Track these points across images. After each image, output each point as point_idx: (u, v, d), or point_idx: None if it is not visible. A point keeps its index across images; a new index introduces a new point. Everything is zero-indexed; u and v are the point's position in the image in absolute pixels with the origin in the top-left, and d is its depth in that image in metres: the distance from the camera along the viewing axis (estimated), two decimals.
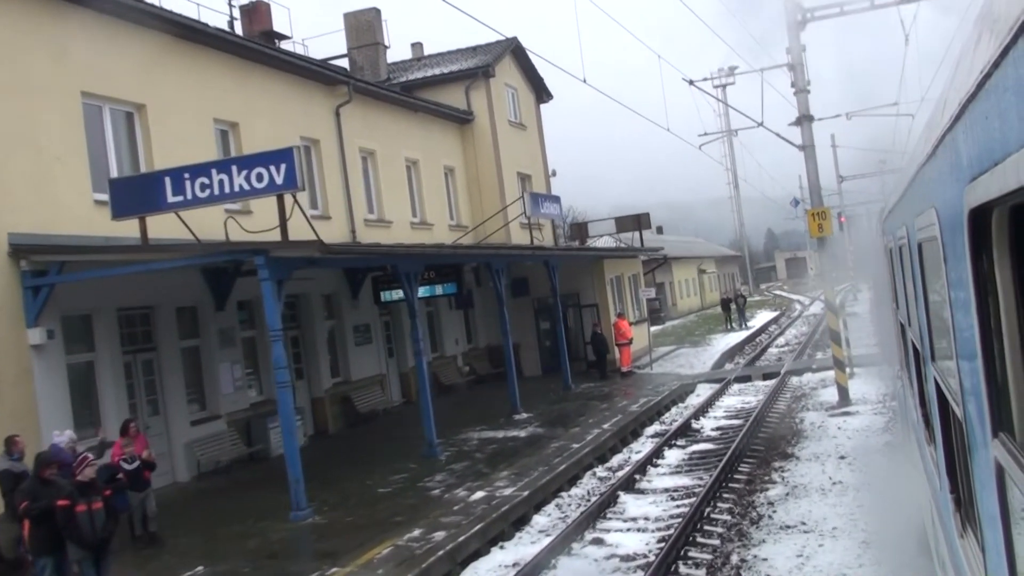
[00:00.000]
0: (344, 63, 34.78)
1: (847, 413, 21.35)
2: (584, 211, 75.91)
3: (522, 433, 21.29)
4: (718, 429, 21.67)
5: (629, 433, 21.58)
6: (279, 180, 14.70)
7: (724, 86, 78.60)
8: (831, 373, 24.30)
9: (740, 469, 17.12)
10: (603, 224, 40.99)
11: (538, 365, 33.77)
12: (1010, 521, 2.62)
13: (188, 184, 15.06)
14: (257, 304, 22.08)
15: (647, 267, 48.25)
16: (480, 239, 31.16)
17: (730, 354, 37.62)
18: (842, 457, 16.88)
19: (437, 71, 35.08)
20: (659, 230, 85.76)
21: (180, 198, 15.14)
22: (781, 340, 44.28)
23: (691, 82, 23.05)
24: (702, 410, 24.21)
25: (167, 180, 15.21)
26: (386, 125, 28.78)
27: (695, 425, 22.37)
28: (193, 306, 20.07)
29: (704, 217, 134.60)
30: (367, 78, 32.28)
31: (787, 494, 14.81)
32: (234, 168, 14.94)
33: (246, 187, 14.87)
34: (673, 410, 25.37)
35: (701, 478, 16.69)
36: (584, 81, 18.53)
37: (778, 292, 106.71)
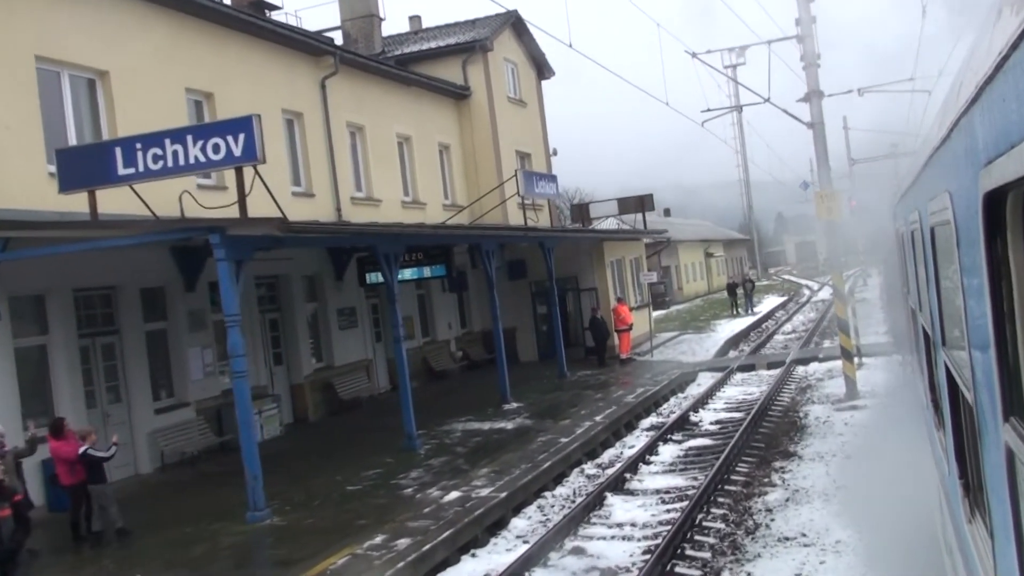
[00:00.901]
0: (338, 36, 33.54)
1: (855, 407, 20.13)
2: (592, 192, 74.53)
3: (509, 425, 20.14)
4: (717, 423, 20.48)
5: (623, 426, 20.40)
6: (237, 152, 13.47)
7: (735, 66, 76.93)
8: (839, 363, 23.07)
9: (738, 469, 15.93)
10: (606, 205, 39.75)
11: (535, 350, 32.60)
12: (1020, 506, 2.60)
13: (140, 155, 13.85)
14: None
15: (651, 250, 47.03)
16: (474, 219, 29.93)
17: (734, 341, 36.39)
18: (848, 457, 15.67)
19: (433, 44, 33.75)
20: (666, 212, 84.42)
21: (132, 170, 13.94)
22: (788, 327, 43.00)
23: (694, 55, 21.71)
24: (702, 401, 23.01)
25: (117, 151, 14.00)
26: (376, 99, 27.50)
27: (693, 418, 21.18)
28: (160, 286, 18.91)
29: (713, 200, 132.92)
30: (361, 51, 31.00)
31: (787, 499, 13.62)
32: (189, 138, 13.71)
33: (202, 159, 13.65)
34: (672, 400, 24.18)
35: (696, 478, 15.50)
36: (570, 46, 17.25)
37: (787, 276, 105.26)
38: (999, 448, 2.71)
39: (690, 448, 18.14)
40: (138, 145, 13.90)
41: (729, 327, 40.58)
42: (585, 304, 32.23)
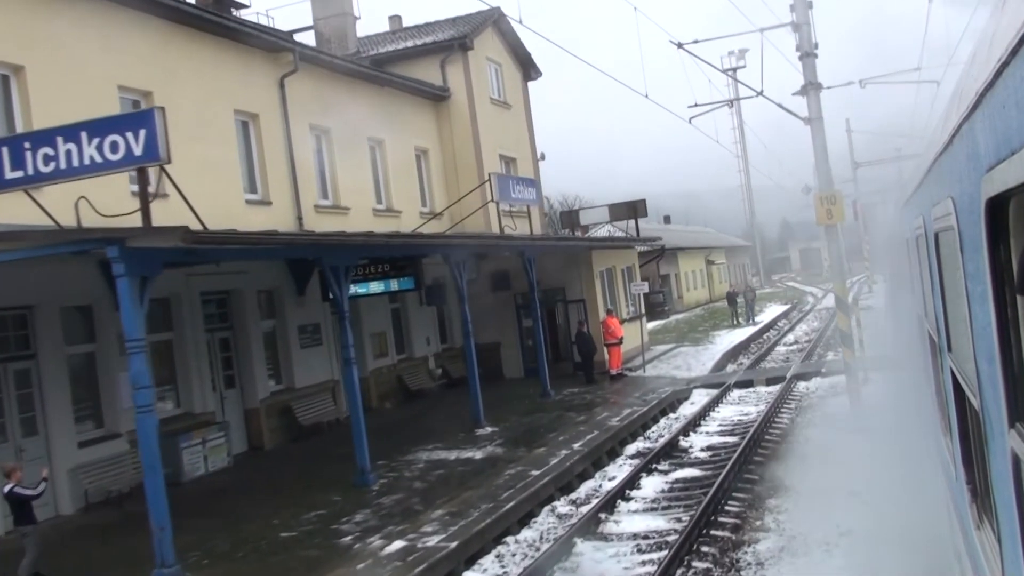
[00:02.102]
0: (311, 36, 31.81)
1: (860, 430, 18.16)
2: (592, 200, 72.55)
3: (478, 454, 18.23)
4: (709, 449, 18.58)
5: (605, 453, 18.51)
6: (138, 150, 11.65)
7: (735, 69, 75.07)
8: (842, 378, 21.10)
9: (727, 508, 14.02)
10: (597, 212, 37.83)
11: (520, 367, 30.67)
12: None
13: (29, 156, 12.03)
14: (175, 302, 19.24)
15: (647, 258, 45.16)
16: (453, 227, 28.09)
17: (733, 353, 34.42)
18: (854, 493, 13.71)
19: (410, 44, 31.94)
20: (666, 219, 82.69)
21: (20, 173, 12.13)
22: (790, 337, 41.04)
23: (680, 45, 19.84)
24: (693, 423, 21.10)
25: (3, 151, 12.18)
26: (344, 100, 25.61)
27: (683, 443, 19.28)
28: (87, 305, 17.05)
29: (716, 206, 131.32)
30: (335, 51, 29.24)
31: (782, 548, 11.70)
32: (84, 135, 11.88)
33: (99, 159, 11.82)
34: (662, 422, 22.27)
35: (679, 519, 13.61)
36: (520, 22, 15.46)
37: (791, 283, 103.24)
38: (1005, 454, 2.72)
39: (676, 480, 16.23)
40: (27, 144, 12.09)
41: (728, 338, 38.63)
42: (574, 317, 30.36)
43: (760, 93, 19.84)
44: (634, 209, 35.56)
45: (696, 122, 22.57)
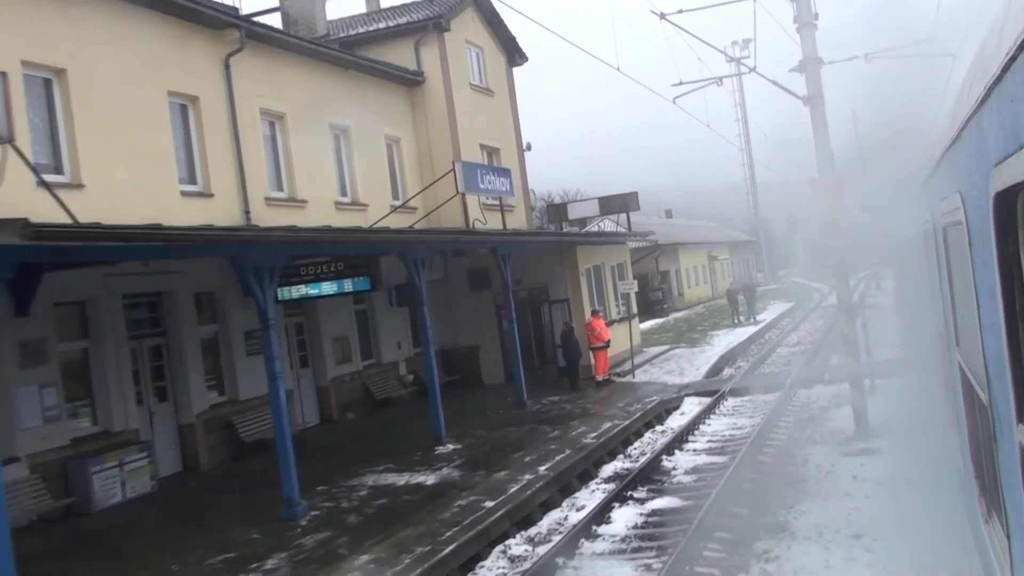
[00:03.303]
0: (277, 18, 29.73)
1: (866, 451, 16.00)
2: (595, 194, 70.28)
3: (431, 478, 16.06)
4: (694, 471, 16.39)
5: (577, 476, 16.35)
6: None
7: (739, 59, 72.68)
8: (847, 385, 18.83)
9: (706, 553, 11.80)
10: (587, 205, 35.64)
11: (500, 372, 28.49)
12: None
13: None
14: (92, 306, 17.15)
15: (643, 254, 43.01)
16: (416, 221, 25.95)
17: (731, 356, 32.19)
18: (857, 536, 11.51)
19: (382, 25, 29.76)
20: (668, 213, 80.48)
21: None
22: (793, 337, 38.73)
23: (662, 16, 17.63)
24: (680, 438, 18.92)
25: None
26: (301, 83, 23.46)
27: (666, 463, 17.12)
28: None
29: (724, 202, 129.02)
30: (302, 34, 27.12)
31: None
32: None
33: None
34: (646, 436, 20.10)
35: (649, 567, 11.42)
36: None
37: (797, 279, 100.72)
38: (1014, 448, 2.70)
39: (652, 512, 14.03)
40: None
41: (727, 339, 36.37)
42: (559, 318, 28.22)
43: (753, 70, 17.66)
44: (625, 202, 33.39)
45: (684, 104, 20.31)
